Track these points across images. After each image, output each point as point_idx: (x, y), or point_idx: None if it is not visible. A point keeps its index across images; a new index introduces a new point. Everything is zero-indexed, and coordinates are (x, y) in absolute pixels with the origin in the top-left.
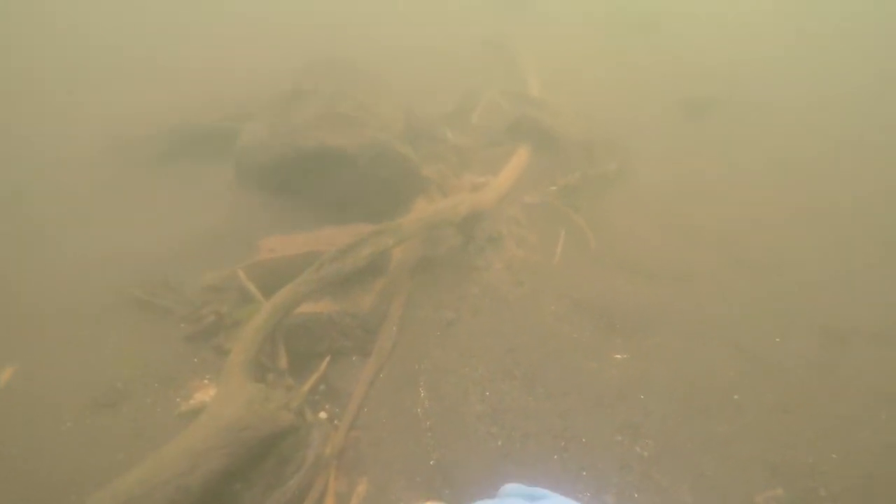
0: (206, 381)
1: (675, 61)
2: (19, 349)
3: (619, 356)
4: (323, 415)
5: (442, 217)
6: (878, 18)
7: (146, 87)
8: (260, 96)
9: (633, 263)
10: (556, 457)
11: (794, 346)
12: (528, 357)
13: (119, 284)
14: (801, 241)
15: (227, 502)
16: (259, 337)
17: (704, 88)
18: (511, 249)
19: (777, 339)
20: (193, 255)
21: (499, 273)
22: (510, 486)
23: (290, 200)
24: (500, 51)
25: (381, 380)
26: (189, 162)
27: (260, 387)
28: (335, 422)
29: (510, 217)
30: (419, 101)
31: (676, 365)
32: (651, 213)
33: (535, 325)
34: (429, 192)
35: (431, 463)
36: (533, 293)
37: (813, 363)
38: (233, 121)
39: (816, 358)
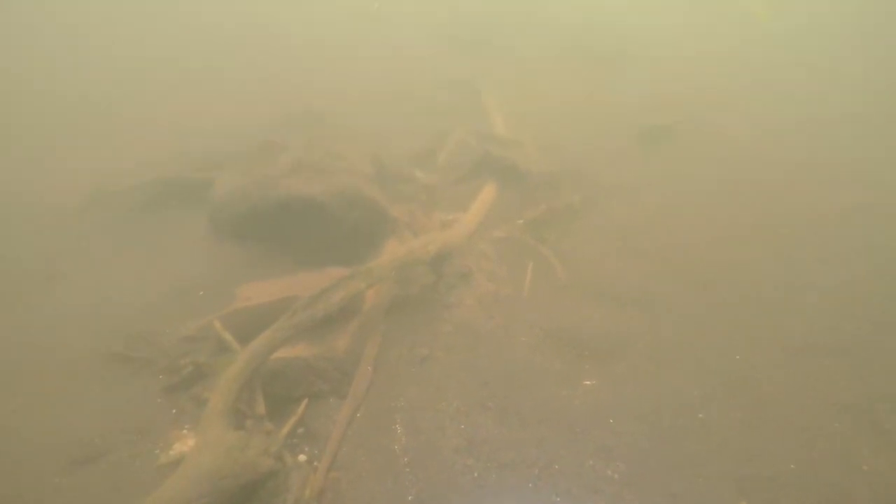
0: (185, 432)
1: (634, 93)
2: None
3: (588, 382)
4: (302, 457)
5: (412, 257)
6: (832, 51)
7: (119, 142)
8: (231, 149)
9: (600, 291)
10: (530, 485)
11: (754, 362)
12: (501, 389)
13: (96, 338)
14: (757, 261)
15: None
16: (236, 385)
17: (664, 118)
18: (482, 284)
19: (737, 357)
20: (171, 306)
21: (470, 308)
22: None
23: (264, 248)
24: (466, 90)
25: (359, 420)
26: (164, 215)
27: (239, 434)
28: (314, 463)
29: (480, 252)
30: (388, 144)
31: (644, 388)
32: (615, 240)
33: (507, 358)
34: (399, 232)
35: (410, 498)
36: (504, 326)
37: (772, 379)
38: (205, 173)
39: (775, 373)
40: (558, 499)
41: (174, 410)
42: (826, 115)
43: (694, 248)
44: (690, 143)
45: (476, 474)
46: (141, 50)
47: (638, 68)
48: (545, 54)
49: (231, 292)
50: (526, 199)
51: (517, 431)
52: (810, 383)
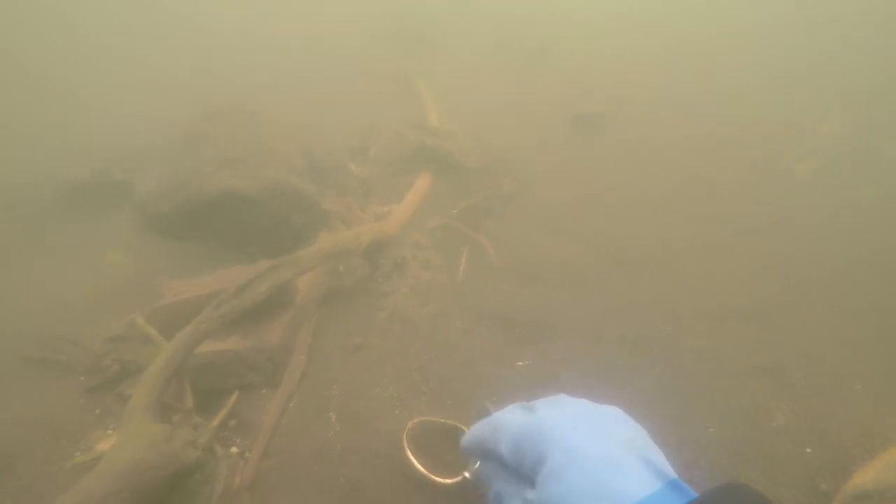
0: (109, 432)
1: (565, 84)
2: None
3: (521, 363)
4: (234, 449)
5: (342, 246)
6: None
7: (26, 139)
8: (152, 144)
9: (533, 273)
10: None
11: (677, 333)
12: (436, 373)
13: (13, 343)
14: (679, 238)
15: None
16: (160, 379)
17: (593, 107)
18: (416, 272)
19: (669, 328)
20: (95, 308)
21: (405, 296)
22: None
23: (194, 245)
24: (400, 84)
25: (292, 409)
26: (85, 213)
27: (163, 427)
28: (246, 454)
29: (414, 242)
30: (321, 137)
31: (578, 364)
32: (547, 225)
33: (442, 342)
34: (332, 225)
35: (341, 481)
36: (439, 312)
37: (693, 347)
38: (126, 170)
39: (696, 341)
40: None
41: (98, 411)
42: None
43: (622, 230)
44: (621, 130)
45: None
46: (56, 31)
47: (570, 60)
48: (480, 48)
49: (158, 290)
50: (460, 188)
51: (451, 413)
52: (727, 349)
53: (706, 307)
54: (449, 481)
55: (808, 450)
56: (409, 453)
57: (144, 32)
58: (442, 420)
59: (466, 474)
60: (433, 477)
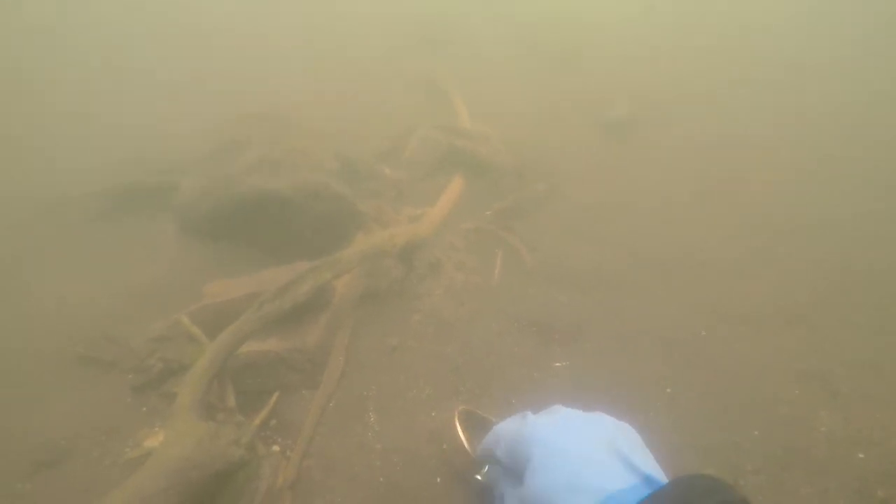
0: (156, 429)
1: (596, 88)
2: None
3: (558, 364)
4: (276, 448)
5: (378, 248)
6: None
7: (75, 148)
8: (193, 151)
9: (566, 276)
10: None
11: (716, 336)
12: (472, 374)
13: (62, 342)
14: (715, 243)
15: None
16: (205, 378)
17: (624, 111)
18: (451, 274)
19: (702, 333)
20: (139, 309)
21: (440, 298)
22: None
23: (232, 246)
24: (431, 88)
25: (331, 409)
26: (129, 219)
27: (209, 425)
28: (287, 453)
29: (449, 244)
30: (354, 141)
31: (613, 367)
32: (579, 228)
33: (477, 344)
34: (367, 227)
35: (381, 480)
36: (474, 314)
37: (734, 351)
38: (169, 175)
39: (736, 346)
40: None
41: (144, 409)
42: (808, 108)
43: (655, 233)
44: (652, 132)
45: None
46: (80, 49)
47: (599, 62)
48: (509, 52)
49: (199, 291)
50: (493, 190)
51: (489, 414)
52: (770, 353)
53: (746, 311)
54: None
55: (861, 455)
56: (459, 430)
57: (180, 42)
58: (483, 414)
59: (478, 477)
60: (470, 455)
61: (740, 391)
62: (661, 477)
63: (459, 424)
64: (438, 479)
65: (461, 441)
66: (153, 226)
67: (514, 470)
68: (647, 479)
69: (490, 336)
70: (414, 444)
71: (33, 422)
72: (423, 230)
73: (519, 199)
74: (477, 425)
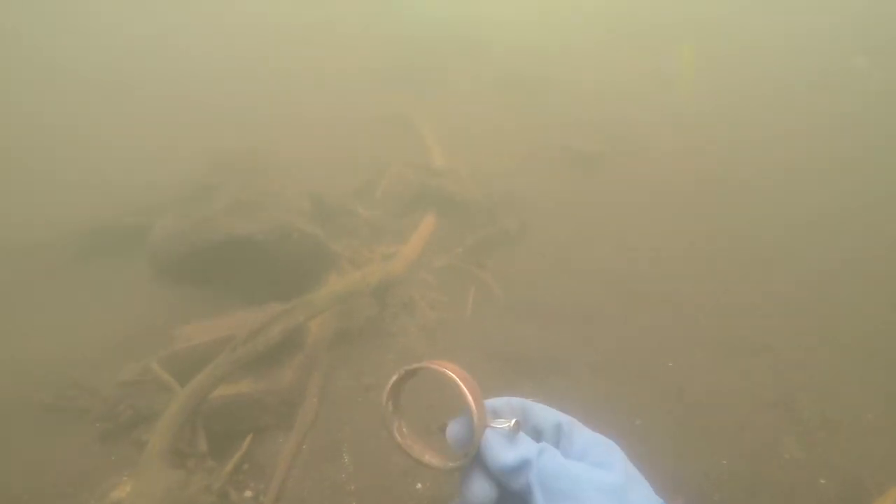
0: (124, 479)
1: (563, 122)
2: None
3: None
4: (248, 493)
5: (352, 288)
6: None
7: (43, 193)
8: (164, 192)
9: (539, 310)
10: None
11: (685, 367)
12: (445, 412)
13: (26, 390)
14: (684, 275)
15: None
16: (175, 424)
17: (592, 144)
18: (424, 312)
19: (669, 364)
20: (107, 354)
21: (414, 336)
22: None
23: (205, 290)
24: (401, 122)
25: (305, 451)
26: (99, 262)
27: (178, 473)
28: (260, 498)
29: (422, 281)
30: (328, 180)
31: (584, 399)
32: (552, 261)
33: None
34: (340, 266)
35: None
36: (447, 351)
37: (701, 381)
38: (138, 217)
39: (704, 376)
40: None
41: (113, 457)
42: (759, 136)
43: (624, 266)
44: (619, 166)
45: (427, 493)
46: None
47: (567, 94)
48: (477, 85)
49: (171, 335)
50: (465, 227)
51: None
52: (735, 383)
53: (713, 341)
54: None
55: (822, 481)
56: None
57: (138, 68)
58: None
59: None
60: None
61: (709, 421)
62: None
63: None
64: None
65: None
66: (128, 267)
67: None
68: None
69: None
70: (388, 482)
71: None
72: (396, 268)
73: (490, 234)
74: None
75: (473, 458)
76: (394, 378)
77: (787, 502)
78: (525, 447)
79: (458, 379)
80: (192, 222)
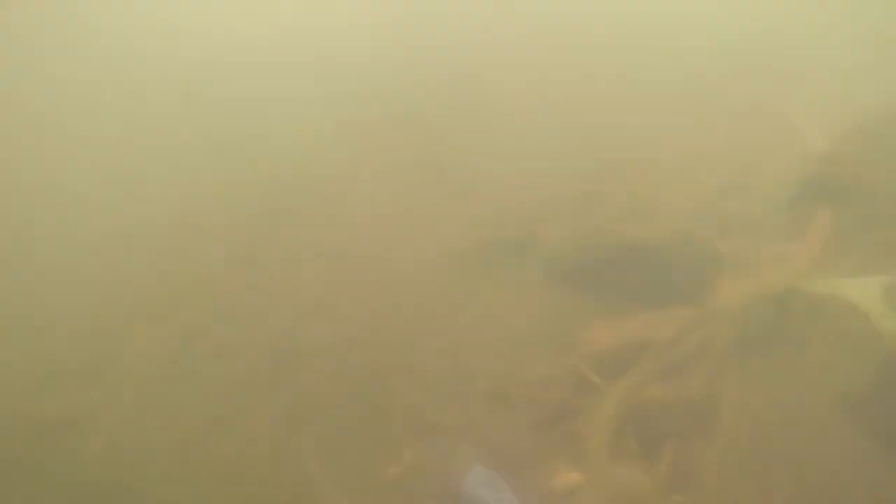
0: (563, 468)
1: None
2: None
3: None
4: (677, 498)
5: (755, 295)
6: None
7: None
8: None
9: None
10: None
11: None
12: None
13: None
14: None
15: None
16: (612, 422)
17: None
18: (833, 318)
19: None
20: (520, 351)
21: (818, 349)
22: None
23: (598, 294)
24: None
25: (731, 460)
26: (496, 271)
27: (629, 470)
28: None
29: (827, 284)
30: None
31: None
32: None
33: None
34: (729, 270)
35: None
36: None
37: None
38: (530, 226)
39: None
40: None
41: (546, 445)
42: None
43: None
44: None
45: None
46: None
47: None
48: None
49: (576, 337)
50: (868, 221)
51: None
52: None
53: None
54: None
55: None
56: None
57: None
58: None
59: None
60: None
61: None
62: None
63: None
64: None
65: None
66: (519, 277)
67: None
68: None
69: None
70: None
71: None
72: (799, 271)
73: None
74: None
75: None
76: None
77: None
78: None
79: None
80: (583, 229)
